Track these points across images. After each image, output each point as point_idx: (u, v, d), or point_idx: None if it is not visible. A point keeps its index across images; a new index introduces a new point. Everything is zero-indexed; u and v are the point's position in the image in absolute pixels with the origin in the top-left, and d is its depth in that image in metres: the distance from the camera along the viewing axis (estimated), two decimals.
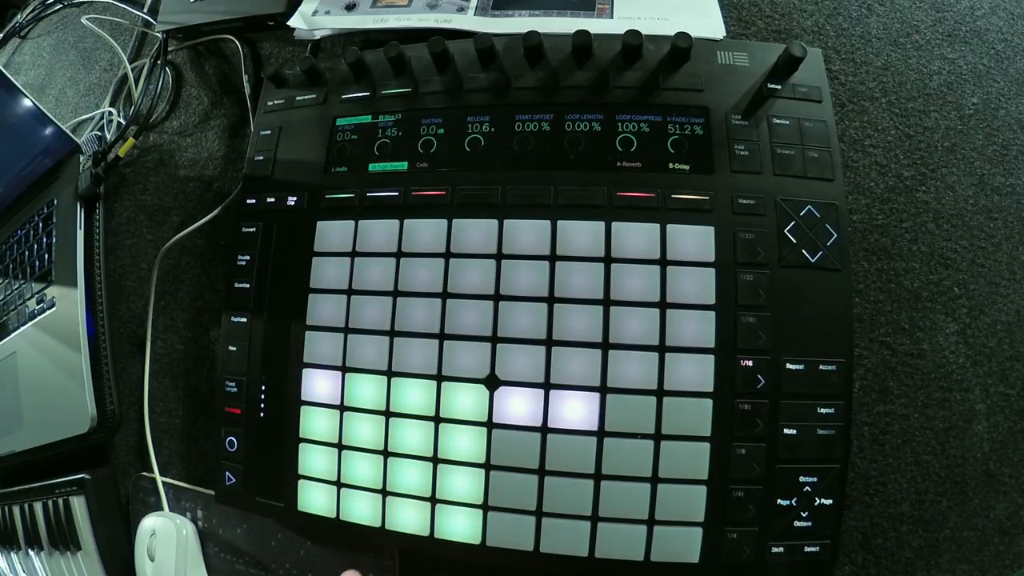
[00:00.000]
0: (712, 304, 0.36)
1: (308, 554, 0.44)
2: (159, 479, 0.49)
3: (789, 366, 0.35)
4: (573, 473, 0.36)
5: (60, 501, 0.52)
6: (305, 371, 0.41)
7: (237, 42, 0.57)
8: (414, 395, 0.38)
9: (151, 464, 0.49)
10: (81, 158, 0.61)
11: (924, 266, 0.40)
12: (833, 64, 0.44)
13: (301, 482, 0.40)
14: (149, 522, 0.47)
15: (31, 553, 0.55)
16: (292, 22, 0.52)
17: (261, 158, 0.46)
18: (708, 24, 0.43)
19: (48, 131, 0.60)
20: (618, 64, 0.41)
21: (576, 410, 0.36)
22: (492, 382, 0.37)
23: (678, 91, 0.40)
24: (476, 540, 0.37)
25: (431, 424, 0.38)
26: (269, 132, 0.46)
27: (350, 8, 0.51)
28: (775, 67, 0.39)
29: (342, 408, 0.40)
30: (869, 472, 0.38)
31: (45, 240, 0.59)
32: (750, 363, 0.35)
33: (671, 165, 0.38)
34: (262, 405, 0.42)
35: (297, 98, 0.46)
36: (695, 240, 0.37)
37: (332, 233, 0.42)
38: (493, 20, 0.47)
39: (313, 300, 0.41)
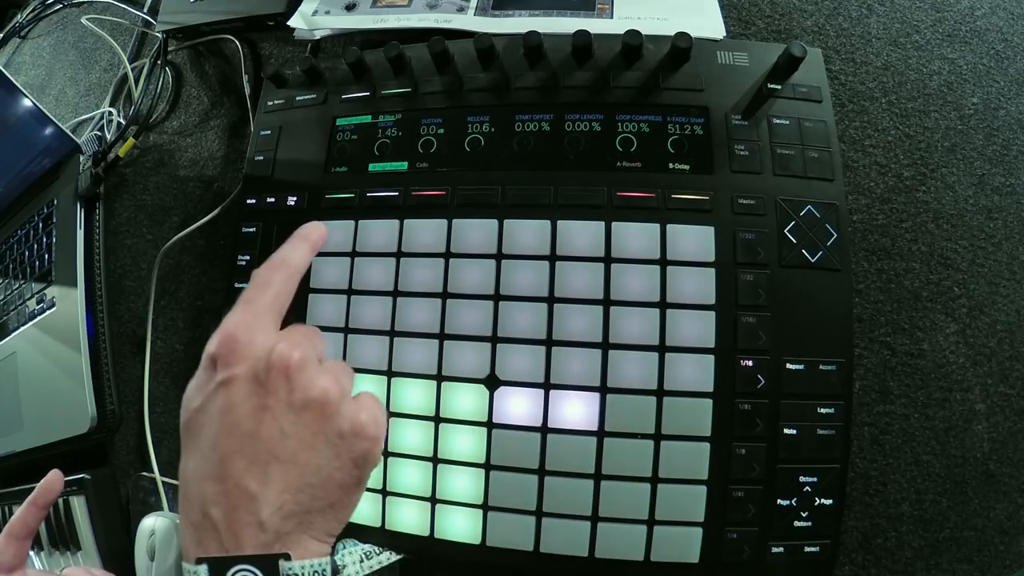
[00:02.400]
0: (712, 304, 0.36)
1: None
2: (159, 479, 0.49)
3: (789, 366, 0.35)
4: (573, 473, 0.36)
5: (60, 501, 0.52)
6: None
7: (237, 42, 0.57)
8: (414, 395, 0.38)
9: (151, 464, 0.49)
10: (81, 158, 0.61)
11: (924, 266, 0.40)
12: (833, 64, 0.43)
13: None
14: (149, 522, 0.47)
15: (31, 553, 0.55)
16: (292, 22, 0.52)
17: (261, 158, 0.46)
18: (708, 24, 0.43)
19: (48, 131, 0.60)
20: (618, 64, 0.41)
21: (576, 410, 0.36)
22: (492, 382, 0.37)
23: (678, 91, 0.40)
24: (476, 540, 0.37)
25: (431, 424, 0.38)
26: (269, 132, 0.46)
27: (350, 8, 0.51)
28: (775, 67, 0.39)
29: None
30: (869, 472, 0.38)
31: (45, 240, 0.59)
32: (750, 363, 0.35)
33: (671, 165, 0.38)
34: None
35: (297, 98, 0.46)
36: (695, 240, 0.37)
37: (332, 233, 0.42)
38: (493, 20, 0.47)
39: (313, 300, 0.41)
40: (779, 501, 0.35)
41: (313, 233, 0.30)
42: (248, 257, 0.44)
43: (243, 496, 0.23)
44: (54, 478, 0.39)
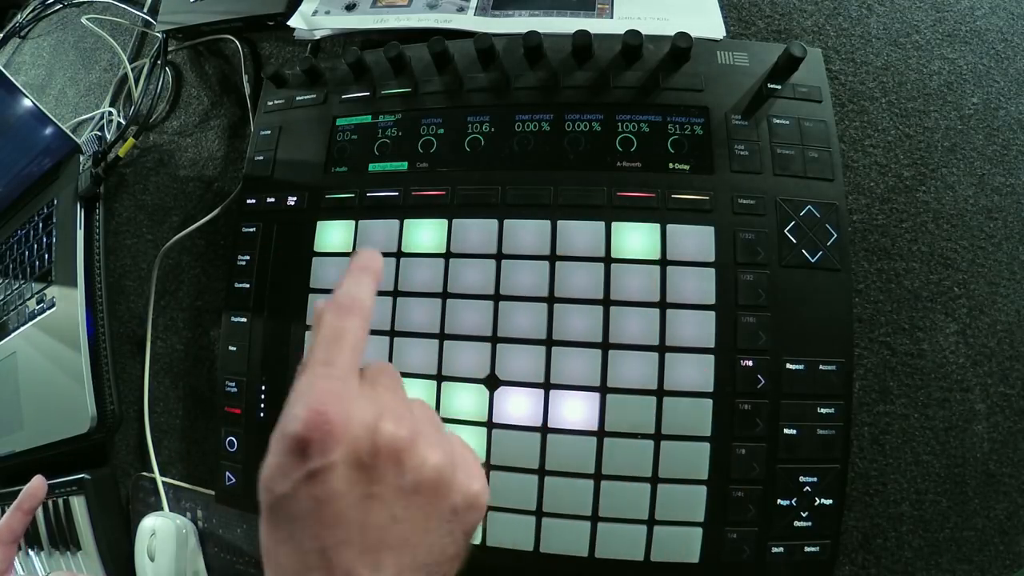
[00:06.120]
0: (712, 304, 0.36)
1: None
2: (159, 479, 0.49)
3: (789, 366, 0.35)
4: (573, 473, 0.36)
5: (60, 501, 0.52)
6: None
7: (237, 42, 0.57)
8: (414, 395, 0.38)
9: (151, 464, 0.49)
10: (81, 158, 0.61)
11: (924, 266, 0.40)
12: (833, 64, 0.43)
13: None
14: (149, 522, 0.47)
15: (31, 553, 0.55)
16: (292, 22, 0.52)
17: (261, 158, 0.46)
18: (708, 24, 0.43)
19: (48, 131, 0.60)
20: (618, 64, 0.41)
21: (576, 410, 0.36)
22: (492, 382, 0.37)
23: (678, 91, 0.40)
24: (476, 540, 0.37)
25: None
26: (269, 132, 0.46)
27: (350, 8, 0.51)
28: (775, 67, 0.39)
29: None
30: (869, 472, 0.38)
31: (45, 240, 0.59)
32: (750, 363, 0.35)
33: (671, 165, 0.38)
34: (262, 405, 0.42)
35: (297, 98, 0.46)
36: (695, 240, 0.37)
37: (332, 233, 0.42)
38: (493, 20, 0.47)
39: (313, 300, 0.41)
40: (779, 501, 0.35)
41: (373, 262, 0.27)
42: (248, 257, 0.44)
43: None
44: (38, 484, 0.40)
